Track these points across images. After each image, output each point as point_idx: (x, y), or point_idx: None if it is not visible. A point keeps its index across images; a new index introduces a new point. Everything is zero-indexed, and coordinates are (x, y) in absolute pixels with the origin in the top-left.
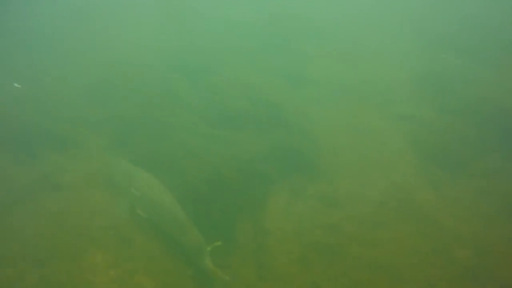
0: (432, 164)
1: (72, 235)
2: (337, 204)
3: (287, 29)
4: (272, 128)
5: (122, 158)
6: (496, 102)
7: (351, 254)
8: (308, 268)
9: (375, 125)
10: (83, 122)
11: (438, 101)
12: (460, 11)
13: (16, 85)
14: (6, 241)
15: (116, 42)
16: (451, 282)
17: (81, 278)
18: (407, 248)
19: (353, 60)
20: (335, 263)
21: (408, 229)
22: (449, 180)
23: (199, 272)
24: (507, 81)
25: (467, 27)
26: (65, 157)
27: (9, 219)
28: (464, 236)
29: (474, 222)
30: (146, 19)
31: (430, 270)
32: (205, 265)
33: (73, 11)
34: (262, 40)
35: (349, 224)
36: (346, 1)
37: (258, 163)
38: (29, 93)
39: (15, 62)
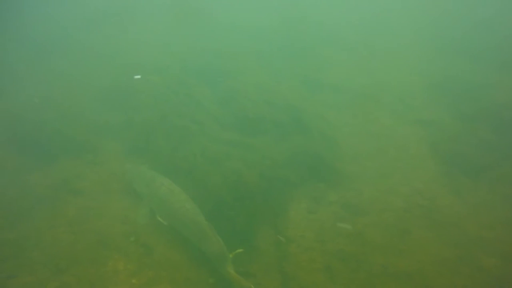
0: (454, 169)
1: (92, 242)
2: (360, 211)
3: (304, 34)
4: (293, 133)
5: (142, 164)
6: None
7: (376, 263)
8: (333, 277)
9: (394, 130)
10: (101, 128)
11: (456, 106)
12: (476, 16)
13: (136, 76)
14: (25, 248)
15: (134, 46)
16: None
17: (102, 287)
18: (433, 256)
19: (370, 66)
20: (360, 272)
21: (433, 237)
22: (472, 186)
23: (222, 280)
24: None
25: (483, 32)
26: (84, 162)
27: (27, 225)
28: (489, 243)
29: (499, 229)
30: (164, 24)
31: (456, 279)
32: (228, 273)
33: (90, 16)
34: (278, 45)
35: (373, 231)
36: (363, 8)
37: (280, 169)
38: (47, 98)
39: (33, 67)
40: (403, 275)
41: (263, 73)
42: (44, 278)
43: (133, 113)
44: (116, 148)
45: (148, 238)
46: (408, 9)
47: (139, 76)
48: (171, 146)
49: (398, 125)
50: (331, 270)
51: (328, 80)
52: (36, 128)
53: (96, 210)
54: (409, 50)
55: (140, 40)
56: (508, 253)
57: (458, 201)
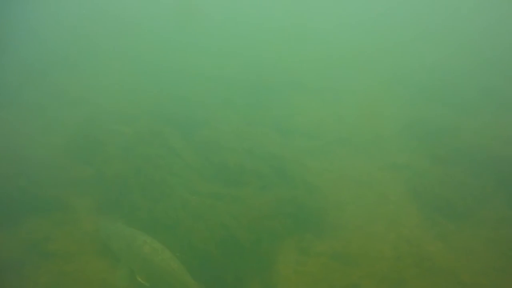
0: (435, 214)
1: None
2: (351, 262)
3: (270, 80)
4: (275, 181)
5: (116, 221)
6: (489, 150)
7: None
8: None
9: (373, 176)
10: (69, 183)
11: (430, 150)
12: (444, 61)
13: None
14: None
15: (98, 96)
16: None
17: None
18: None
19: (338, 111)
20: None
21: (428, 286)
22: (455, 230)
23: None
24: (495, 128)
25: (451, 77)
26: (53, 222)
27: None
28: None
29: (492, 275)
30: (130, 72)
31: None
32: None
33: (50, 60)
34: (246, 92)
35: (369, 283)
36: (328, 52)
37: (267, 220)
38: (4, 153)
39: None
40: None
41: (236, 120)
42: None
43: (103, 166)
44: (87, 205)
45: None
46: (375, 53)
47: None
48: (148, 200)
49: (376, 170)
50: None
51: (300, 126)
52: None
53: (70, 274)
54: (377, 94)
55: (104, 86)
56: None
57: (445, 247)
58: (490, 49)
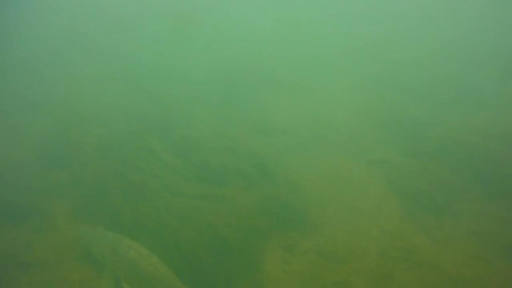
0: (416, 208)
1: None
2: (339, 259)
3: (243, 77)
4: (258, 180)
5: (98, 226)
6: (465, 144)
7: None
8: None
9: (351, 172)
10: (45, 188)
11: (406, 145)
12: (420, 57)
13: None
14: None
15: (66, 97)
16: None
17: None
18: None
19: (312, 107)
20: None
21: (417, 279)
22: (436, 223)
23: None
24: (471, 123)
25: (426, 72)
26: (30, 230)
27: None
28: (471, 282)
29: (475, 266)
30: (101, 71)
31: None
32: None
33: (21, 61)
34: (220, 90)
35: (358, 279)
36: (300, 48)
37: (253, 219)
38: None
39: None
40: None
41: (214, 119)
42: None
43: (80, 170)
44: (65, 211)
45: None
46: (349, 50)
47: None
48: (129, 204)
49: (354, 166)
50: None
51: (276, 124)
52: None
53: (53, 285)
54: (352, 91)
55: (76, 87)
56: None
57: (428, 240)
58: (468, 46)
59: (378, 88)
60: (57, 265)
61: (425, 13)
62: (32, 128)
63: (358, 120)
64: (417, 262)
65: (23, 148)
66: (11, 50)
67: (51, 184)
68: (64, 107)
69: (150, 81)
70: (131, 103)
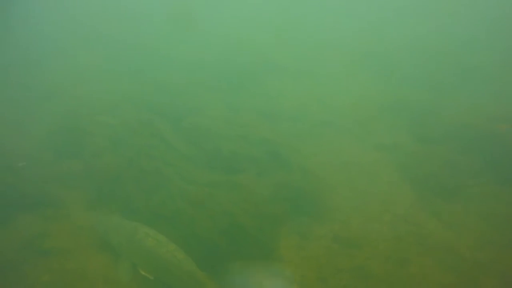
0: (427, 192)
1: None
2: (354, 244)
3: (246, 64)
4: (270, 166)
5: (113, 214)
6: (473, 128)
7: None
8: None
9: (361, 157)
10: (58, 178)
11: (415, 129)
12: (424, 41)
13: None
14: None
15: (74, 87)
16: None
17: None
18: (437, 284)
19: (317, 93)
20: None
21: (433, 264)
22: (448, 208)
23: None
24: (478, 107)
25: (430, 56)
26: (45, 218)
27: None
28: (486, 266)
29: (489, 250)
30: (109, 60)
31: None
32: None
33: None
34: (224, 77)
35: (374, 264)
36: (303, 35)
37: (267, 205)
38: None
39: None
40: None
41: (222, 106)
42: None
43: (92, 159)
44: (78, 199)
45: None
46: (352, 35)
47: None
48: (144, 192)
49: (363, 151)
50: None
51: (283, 111)
52: None
53: (72, 272)
54: (356, 75)
55: (85, 78)
56: (505, 273)
57: (441, 224)
58: (469, 28)
59: (383, 73)
60: (75, 253)
61: None
62: (42, 119)
63: (364, 105)
64: (432, 246)
65: (35, 139)
66: (19, 43)
67: (64, 173)
68: (73, 99)
69: (158, 70)
70: (140, 92)
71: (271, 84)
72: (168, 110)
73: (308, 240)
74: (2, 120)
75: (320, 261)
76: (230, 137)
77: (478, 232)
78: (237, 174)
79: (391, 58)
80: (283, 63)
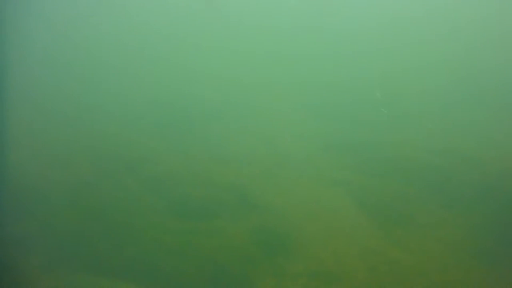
0: (385, 222)
1: None
2: (331, 279)
3: (187, 110)
4: (239, 209)
5: (77, 273)
6: (414, 160)
7: None
8: None
9: (319, 193)
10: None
11: (362, 166)
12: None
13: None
14: None
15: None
16: None
17: None
18: None
19: (262, 135)
20: None
21: None
22: (406, 235)
23: None
24: (414, 141)
25: (364, 97)
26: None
27: None
28: (456, 285)
29: (453, 272)
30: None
31: None
32: None
33: None
34: (176, 124)
35: None
36: (236, 76)
37: (243, 249)
38: None
39: None
40: None
41: (175, 153)
42: None
43: (47, 220)
44: (38, 263)
45: None
46: (286, 72)
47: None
48: (116, 247)
49: (319, 188)
50: None
51: (233, 154)
52: None
53: None
54: (296, 116)
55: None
56: None
57: (404, 251)
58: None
59: (323, 114)
60: None
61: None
62: None
63: (308, 144)
64: (402, 273)
65: None
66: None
67: (16, 235)
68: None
69: (106, 120)
70: (92, 143)
71: (212, 128)
72: (127, 161)
73: (285, 280)
74: None
75: None
76: (193, 183)
77: (438, 255)
78: (212, 220)
79: (330, 99)
80: (223, 109)
